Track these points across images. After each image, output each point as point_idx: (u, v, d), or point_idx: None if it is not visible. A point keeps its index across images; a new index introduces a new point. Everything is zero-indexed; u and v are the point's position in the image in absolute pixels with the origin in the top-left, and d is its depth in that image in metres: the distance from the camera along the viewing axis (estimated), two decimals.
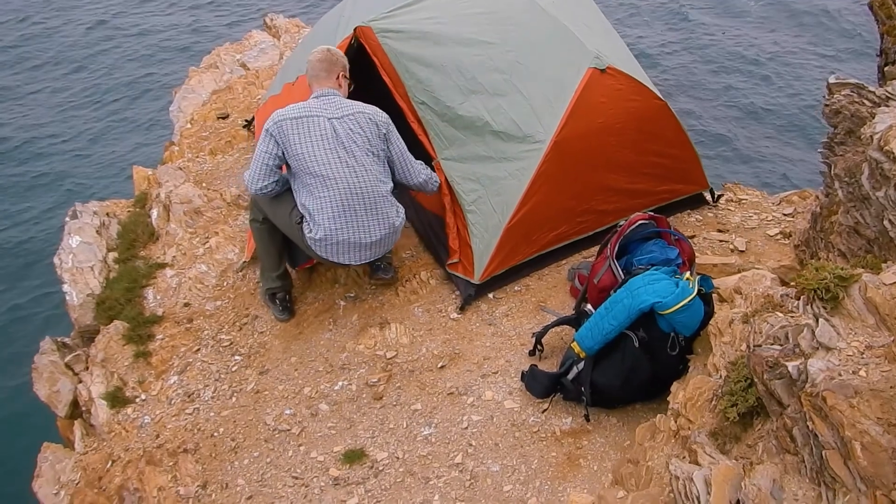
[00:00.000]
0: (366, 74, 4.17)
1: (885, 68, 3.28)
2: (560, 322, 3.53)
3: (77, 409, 4.12)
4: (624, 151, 4.03)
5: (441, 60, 3.87)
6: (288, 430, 3.46)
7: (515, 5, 4.21)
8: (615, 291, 3.08)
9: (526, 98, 3.81)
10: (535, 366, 3.40)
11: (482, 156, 3.82)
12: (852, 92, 2.70)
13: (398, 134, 3.67)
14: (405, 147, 3.69)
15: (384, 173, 3.57)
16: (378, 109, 3.61)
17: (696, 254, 3.78)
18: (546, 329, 3.51)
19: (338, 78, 3.63)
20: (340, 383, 3.65)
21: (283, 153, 3.44)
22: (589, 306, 3.45)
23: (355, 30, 4.01)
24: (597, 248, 3.87)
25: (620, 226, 3.52)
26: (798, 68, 14.87)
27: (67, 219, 5.07)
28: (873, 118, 2.51)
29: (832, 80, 2.82)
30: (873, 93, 2.67)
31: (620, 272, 3.30)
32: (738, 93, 14.03)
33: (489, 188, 3.81)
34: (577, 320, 3.45)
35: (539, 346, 3.53)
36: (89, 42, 15.86)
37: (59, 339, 4.48)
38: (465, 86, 3.82)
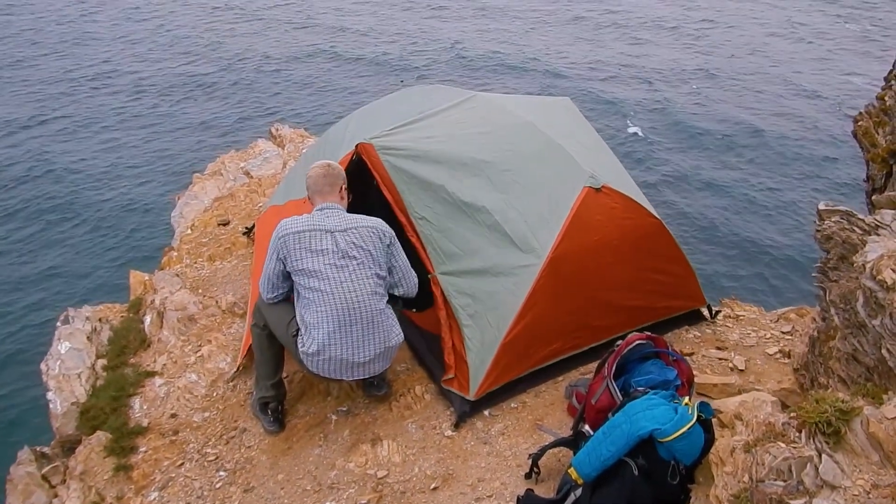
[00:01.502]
0: (366, 188, 4.27)
1: (873, 196, 3.35)
2: (557, 444, 3.43)
3: None
4: (620, 268, 4.06)
5: (440, 178, 3.95)
6: None
7: (511, 125, 4.37)
8: (613, 414, 3.01)
9: (522, 215, 3.88)
10: (532, 490, 3.27)
11: (479, 271, 3.84)
12: (842, 219, 2.74)
13: (400, 247, 3.69)
14: (406, 260, 3.71)
15: (384, 288, 3.57)
16: (382, 221, 3.65)
17: (696, 372, 3.73)
18: (543, 450, 3.40)
19: (340, 191, 3.69)
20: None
21: (286, 266, 3.46)
22: (587, 427, 3.36)
23: (357, 146, 4.13)
24: (594, 363, 3.83)
25: (618, 345, 3.49)
26: (789, 189, 15.32)
27: (59, 323, 5.02)
28: (864, 246, 2.53)
29: (822, 206, 2.87)
30: (863, 220, 2.71)
31: (618, 394, 3.24)
32: (732, 209, 14.39)
33: (485, 303, 3.80)
34: (574, 442, 3.35)
35: (536, 469, 3.41)
36: (93, 143, 16.33)
37: (38, 449, 4.33)
38: (463, 202, 3.89)
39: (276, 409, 3.95)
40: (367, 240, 3.53)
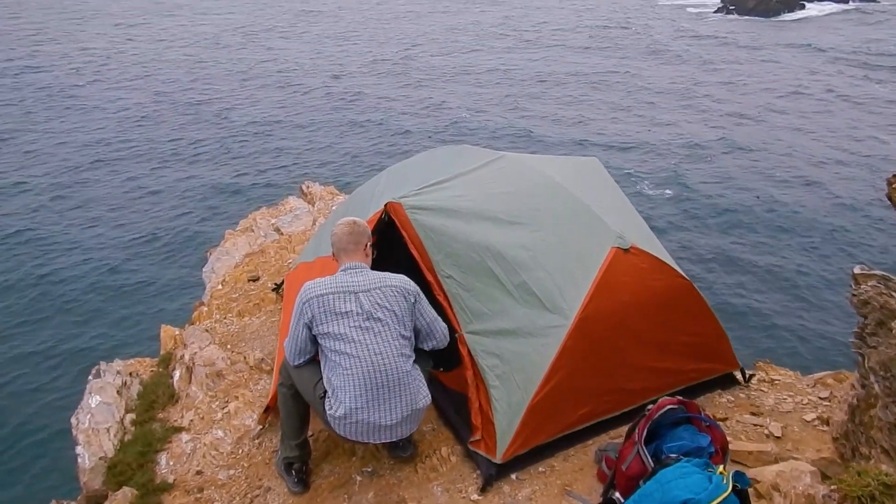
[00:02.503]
0: (395, 246, 4.30)
1: None
2: None
3: None
4: (650, 329, 4.01)
5: (468, 237, 3.98)
6: None
7: (540, 185, 4.41)
8: (644, 482, 2.92)
9: (550, 275, 3.87)
10: None
11: (506, 331, 3.82)
12: (879, 283, 2.68)
13: (426, 301, 3.67)
14: (434, 313, 3.67)
15: (410, 348, 3.54)
16: (407, 279, 3.63)
17: (730, 438, 3.62)
18: None
19: (364, 249, 3.69)
20: None
21: (311, 330, 3.46)
22: (617, 494, 3.26)
23: (386, 205, 4.19)
24: (624, 427, 3.73)
25: (649, 409, 3.41)
26: (821, 252, 15.12)
27: (90, 377, 5.08)
28: None
29: (857, 270, 2.82)
30: None
31: (650, 460, 3.14)
32: (762, 273, 14.22)
33: (513, 364, 3.76)
34: None
35: None
36: (131, 201, 16.80)
37: (64, 503, 4.34)
38: (491, 262, 3.90)
39: (300, 470, 3.91)
40: (392, 299, 3.51)
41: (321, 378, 3.51)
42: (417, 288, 3.63)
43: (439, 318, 3.70)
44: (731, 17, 57.37)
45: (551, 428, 3.81)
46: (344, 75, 34.24)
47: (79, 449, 4.57)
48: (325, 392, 3.46)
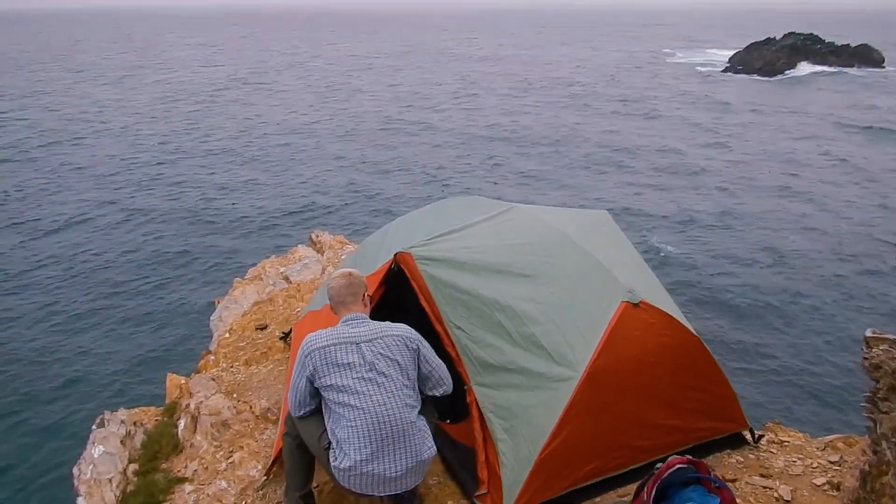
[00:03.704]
0: (404, 296, 4.33)
1: None
2: None
3: None
4: (659, 385, 3.99)
5: (476, 288, 4.01)
6: None
7: (550, 239, 4.44)
8: None
9: (560, 328, 3.87)
10: None
11: (514, 384, 3.81)
12: (891, 347, 2.68)
13: (429, 347, 3.65)
14: (438, 359, 3.65)
15: (414, 399, 3.52)
16: (408, 328, 3.63)
17: (739, 501, 3.57)
18: None
19: (363, 299, 3.69)
20: None
21: (313, 383, 3.45)
22: None
23: (396, 255, 4.23)
24: (631, 486, 3.69)
25: (658, 468, 3.37)
26: (831, 313, 15.03)
27: (94, 426, 5.06)
28: None
29: (869, 333, 2.81)
30: None
31: None
32: (771, 331, 14.13)
33: (520, 417, 3.74)
34: None
35: None
36: (139, 243, 16.90)
37: None
38: (500, 315, 3.92)
39: None
40: (395, 349, 3.50)
41: (325, 430, 3.49)
42: (419, 336, 3.62)
43: (443, 364, 3.67)
44: (738, 76, 58.56)
45: (558, 484, 3.76)
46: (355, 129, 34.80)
47: (80, 501, 4.52)
48: (330, 443, 3.44)
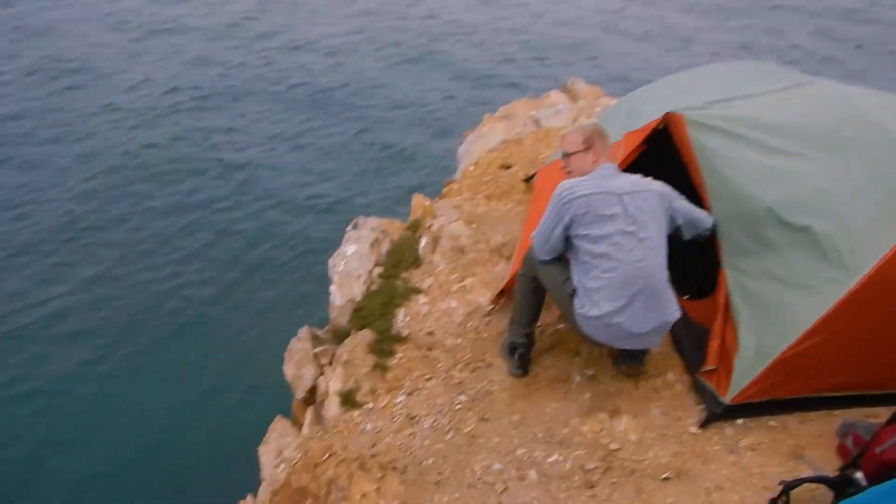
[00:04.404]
0: (664, 160, 4.08)
1: None
2: (818, 479, 3.06)
3: (312, 397, 4.49)
4: None
5: (751, 166, 3.63)
6: (492, 484, 3.41)
7: (855, 124, 3.77)
8: None
9: (842, 225, 3.37)
10: None
11: (773, 275, 3.48)
12: None
13: (685, 199, 3.58)
14: (691, 204, 3.61)
15: (666, 259, 3.43)
16: (664, 183, 3.54)
17: None
18: (799, 482, 3.04)
19: (612, 151, 3.61)
20: (555, 457, 3.53)
21: (569, 231, 3.42)
22: (859, 474, 2.96)
23: (666, 115, 3.95)
24: (882, 408, 3.34)
25: None
26: None
27: (349, 228, 5.61)
28: None
29: None
30: None
31: None
32: None
33: (771, 311, 3.45)
34: (840, 485, 2.96)
35: (785, 498, 3.08)
36: (391, 75, 17.62)
37: (314, 331, 4.94)
38: (773, 197, 3.53)
39: (523, 355, 4.02)
40: (656, 204, 3.40)
41: (570, 276, 3.51)
42: (672, 189, 3.54)
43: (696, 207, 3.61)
44: None
45: (797, 386, 3.49)
46: None
47: (332, 288, 5.14)
48: (575, 290, 3.47)
